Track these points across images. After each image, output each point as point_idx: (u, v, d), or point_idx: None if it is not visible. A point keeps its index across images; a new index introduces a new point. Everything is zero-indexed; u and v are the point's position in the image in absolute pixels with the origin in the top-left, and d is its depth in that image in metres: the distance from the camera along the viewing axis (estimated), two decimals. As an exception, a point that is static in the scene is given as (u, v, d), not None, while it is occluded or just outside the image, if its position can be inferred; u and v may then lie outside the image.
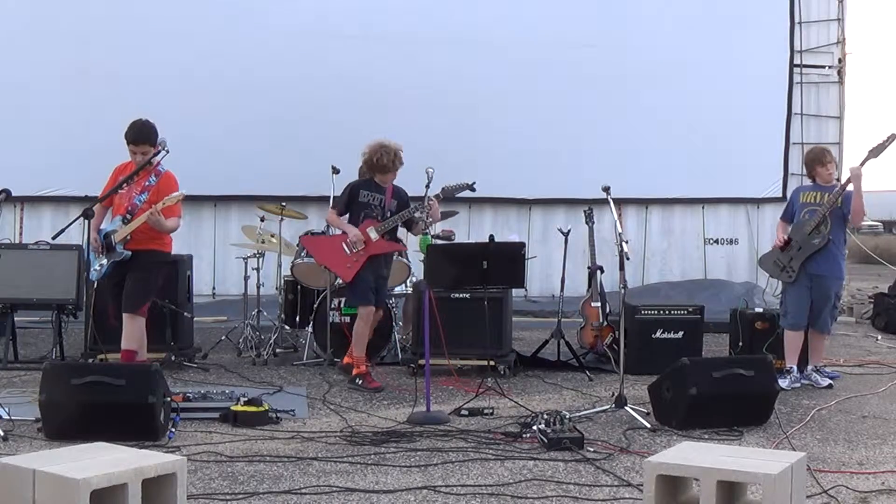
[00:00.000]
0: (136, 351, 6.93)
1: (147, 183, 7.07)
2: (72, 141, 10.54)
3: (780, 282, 8.02)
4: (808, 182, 7.82)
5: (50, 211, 10.88)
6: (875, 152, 7.29)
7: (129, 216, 7.01)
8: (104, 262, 7.05)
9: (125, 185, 7.06)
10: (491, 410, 6.49)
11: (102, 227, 7.12)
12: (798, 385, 7.45)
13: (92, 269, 7.04)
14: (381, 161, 7.34)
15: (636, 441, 5.80)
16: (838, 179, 7.67)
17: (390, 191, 7.47)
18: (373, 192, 7.43)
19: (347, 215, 7.50)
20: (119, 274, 7.05)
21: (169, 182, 7.13)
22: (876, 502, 4.73)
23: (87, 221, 6.59)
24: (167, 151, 7.06)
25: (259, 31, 10.95)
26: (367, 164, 7.45)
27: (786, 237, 7.50)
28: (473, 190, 7.48)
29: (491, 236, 7.08)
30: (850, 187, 7.30)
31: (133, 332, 6.93)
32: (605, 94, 11.44)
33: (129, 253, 7.01)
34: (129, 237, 6.96)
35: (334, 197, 8.65)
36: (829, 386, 7.44)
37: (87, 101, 10.56)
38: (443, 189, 7.40)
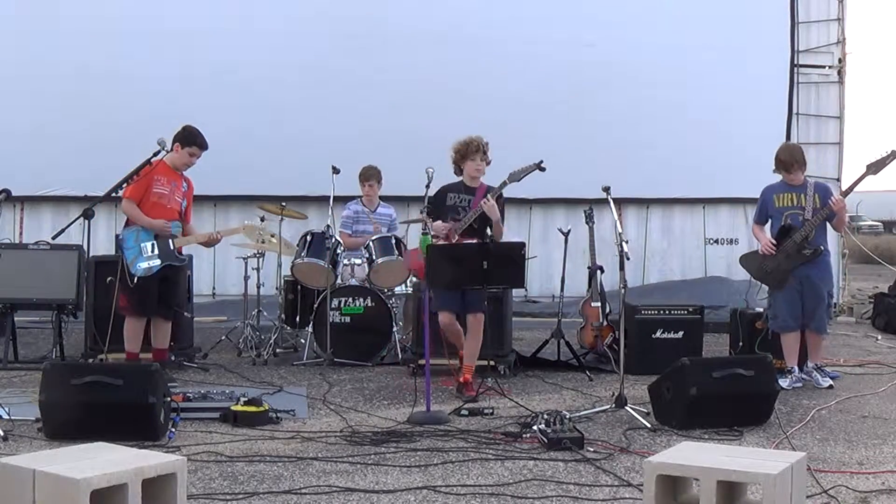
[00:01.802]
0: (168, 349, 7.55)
1: (184, 189, 7.44)
2: (72, 141, 10.55)
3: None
4: (776, 179, 7.66)
5: (50, 211, 10.89)
6: (874, 168, 7.22)
7: (182, 222, 7.40)
8: (157, 262, 7.17)
9: (125, 184, 7.10)
10: (491, 410, 6.48)
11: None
12: (799, 385, 7.45)
13: (139, 266, 7.14)
14: (465, 149, 7.15)
15: (636, 441, 5.80)
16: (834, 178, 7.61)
17: (482, 191, 7.18)
18: (461, 193, 7.22)
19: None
20: (158, 275, 7.29)
21: (193, 189, 7.63)
22: (876, 502, 4.73)
23: (87, 221, 6.61)
24: (167, 151, 7.12)
25: (259, 30, 10.96)
26: (455, 158, 7.24)
27: (773, 241, 7.40)
28: (543, 170, 7.07)
29: (491, 236, 7.08)
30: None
31: (168, 331, 7.48)
32: (605, 94, 11.44)
33: (185, 257, 7.49)
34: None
35: (333, 197, 8.65)
36: (830, 387, 7.39)
37: (87, 101, 10.56)
38: (510, 175, 7.10)
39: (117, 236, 7.37)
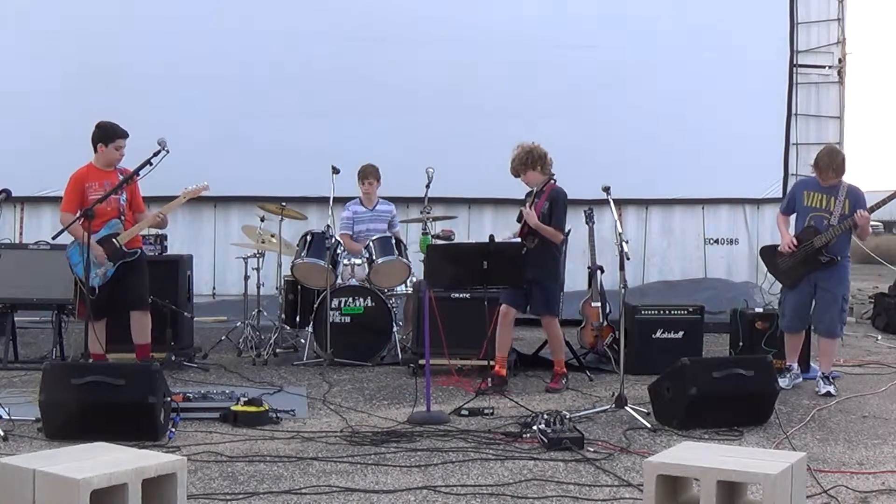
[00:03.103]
0: (150, 343, 7.36)
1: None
2: (72, 141, 10.47)
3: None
4: (809, 175, 7.51)
5: (50, 211, 10.85)
6: None
7: (122, 217, 7.23)
8: (110, 265, 7.13)
9: (125, 184, 7.11)
10: (491, 410, 6.49)
11: (96, 234, 7.13)
12: (799, 381, 7.45)
13: (94, 276, 7.08)
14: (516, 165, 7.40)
15: (636, 441, 5.80)
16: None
17: (545, 193, 7.32)
18: (530, 196, 7.44)
19: None
20: (117, 274, 7.21)
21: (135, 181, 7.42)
22: (876, 502, 4.73)
23: (87, 222, 6.61)
24: (167, 151, 7.11)
25: (259, 31, 10.95)
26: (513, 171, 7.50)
27: (794, 240, 7.26)
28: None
29: (491, 236, 7.08)
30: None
31: (147, 326, 7.34)
32: (605, 95, 11.43)
33: (138, 251, 7.30)
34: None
35: (331, 198, 8.64)
36: (828, 394, 7.16)
37: (87, 101, 10.53)
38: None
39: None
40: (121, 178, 7.30)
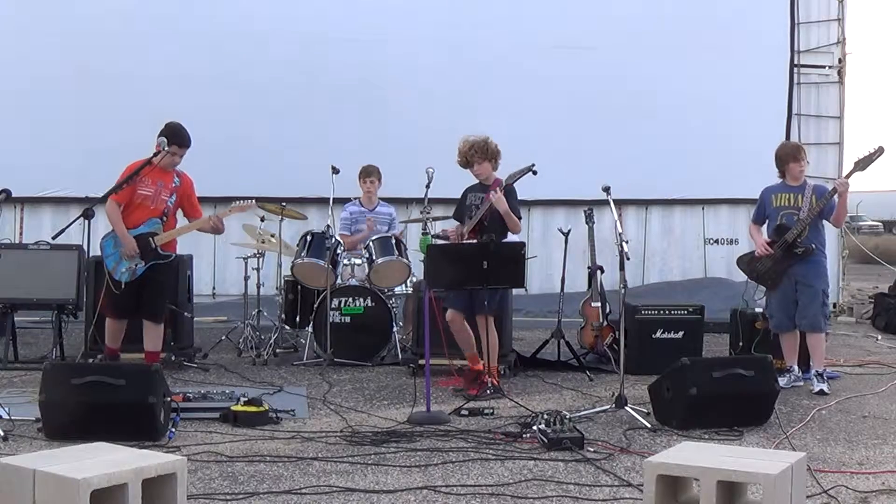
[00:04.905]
0: (160, 352, 7.35)
1: (173, 185, 7.30)
2: (72, 141, 10.55)
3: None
4: (777, 181, 7.65)
5: (50, 211, 10.89)
6: (861, 164, 7.21)
7: (164, 218, 7.24)
8: (140, 262, 7.12)
9: (126, 183, 7.10)
10: (491, 410, 6.48)
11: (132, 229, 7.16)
12: (800, 384, 7.45)
13: (121, 270, 7.09)
14: (458, 158, 7.28)
15: (636, 441, 5.80)
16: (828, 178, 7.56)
17: (495, 185, 7.17)
18: (478, 192, 7.30)
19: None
20: (142, 276, 7.23)
21: (190, 183, 7.46)
22: (876, 502, 4.73)
23: (87, 221, 6.61)
24: (167, 151, 7.11)
25: (260, 31, 10.96)
26: (461, 162, 7.36)
27: (768, 241, 7.42)
28: (535, 173, 6.98)
29: (492, 237, 7.07)
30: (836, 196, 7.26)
31: (159, 336, 7.32)
32: (605, 95, 11.43)
33: (173, 255, 7.29)
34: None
35: (329, 198, 8.64)
36: (821, 392, 7.17)
37: (86, 102, 10.57)
38: (508, 177, 7.09)
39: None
40: (176, 180, 7.33)
